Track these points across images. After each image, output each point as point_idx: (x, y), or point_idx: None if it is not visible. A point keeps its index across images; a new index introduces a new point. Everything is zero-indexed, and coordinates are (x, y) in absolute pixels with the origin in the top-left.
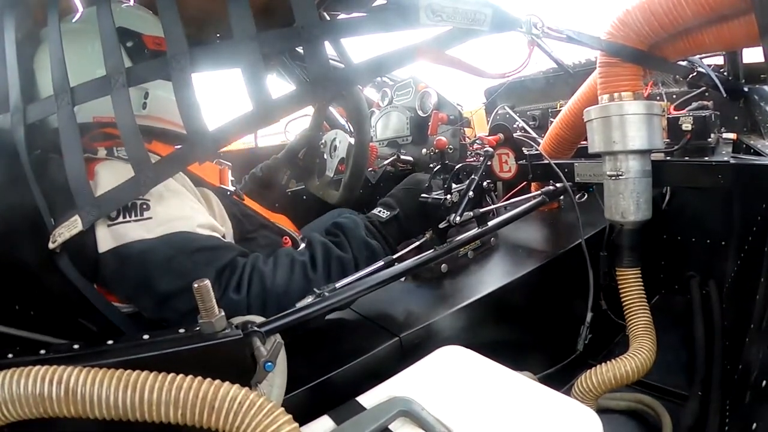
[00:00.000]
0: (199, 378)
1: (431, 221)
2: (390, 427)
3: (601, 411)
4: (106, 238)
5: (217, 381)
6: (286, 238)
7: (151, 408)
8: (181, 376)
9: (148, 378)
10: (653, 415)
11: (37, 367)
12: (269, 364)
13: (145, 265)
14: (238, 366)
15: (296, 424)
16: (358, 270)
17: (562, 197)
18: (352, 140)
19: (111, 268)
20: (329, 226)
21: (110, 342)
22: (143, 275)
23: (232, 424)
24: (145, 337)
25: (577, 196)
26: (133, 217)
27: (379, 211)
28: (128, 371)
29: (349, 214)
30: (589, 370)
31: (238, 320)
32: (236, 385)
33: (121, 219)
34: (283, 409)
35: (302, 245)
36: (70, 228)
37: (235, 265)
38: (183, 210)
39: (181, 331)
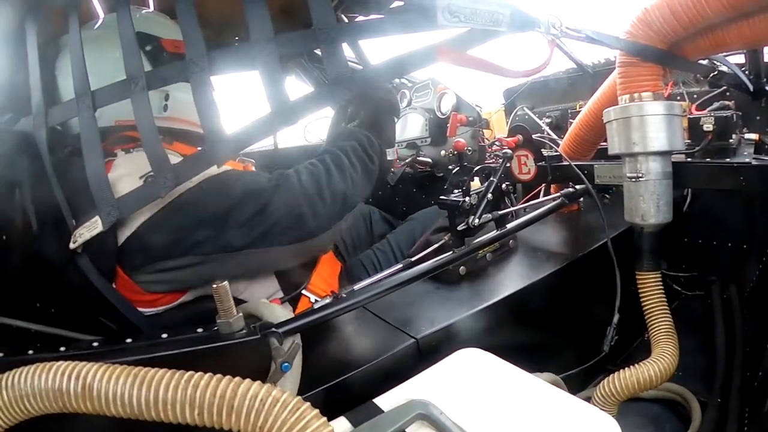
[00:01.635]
0: (218, 375)
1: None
2: (407, 430)
3: (631, 400)
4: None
5: (237, 378)
6: None
7: (166, 407)
8: (199, 374)
9: (164, 375)
10: (682, 402)
11: (58, 363)
12: (286, 364)
13: (197, 204)
14: (255, 366)
15: (324, 419)
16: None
17: (581, 199)
18: None
19: (159, 227)
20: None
21: (129, 340)
22: (198, 212)
23: (254, 424)
24: (164, 336)
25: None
26: None
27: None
28: (146, 369)
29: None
30: (611, 375)
31: (255, 322)
32: (257, 382)
33: None
34: (309, 404)
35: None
36: (90, 228)
37: (280, 171)
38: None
39: (200, 330)
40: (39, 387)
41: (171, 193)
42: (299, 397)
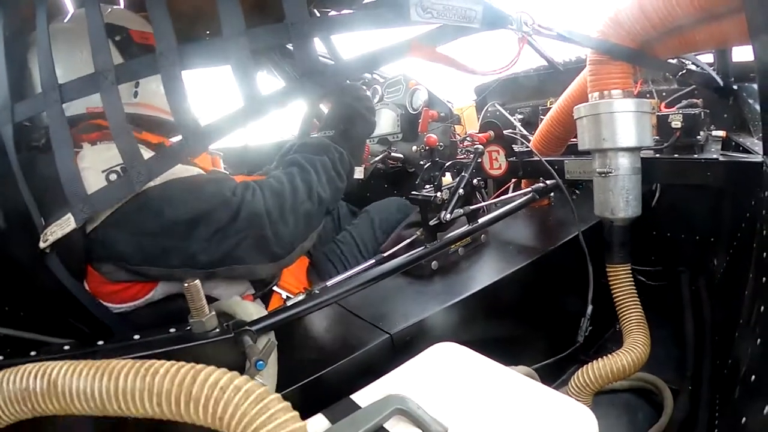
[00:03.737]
0: (182, 363)
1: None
2: (385, 425)
3: (604, 392)
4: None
5: (201, 365)
6: None
7: (126, 397)
8: (162, 361)
9: (125, 365)
10: (654, 390)
11: (26, 365)
12: (261, 362)
13: (158, 208)
14: (230, 365)
15: (296, 413)
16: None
17: (552, 194)
18: None
19: (121, 229)
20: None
21: (101, 342)
22: (159, 217)
23: (213, 414)
24: (136, 337)
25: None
26: None
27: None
28: (110, 360)
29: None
30: (585, 366)
31: (228, 320)
32: (221, 370)
33: None
34: (278, 395)
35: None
36: (62, 226)
37: (246, 183)
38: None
39: (172, 330)
40: (8, 391)
41: (134, 188)
42: (266, 387)
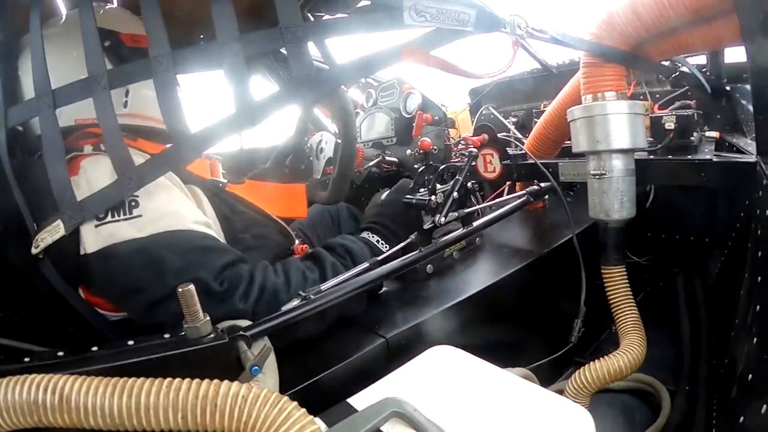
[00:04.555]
0: (197, 380)
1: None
2: (382, 428)
3: (601, 391)
4: (93, 239)
5: (216, 380)
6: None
7: (149, 413)
8: (178, 379)
9: (144, 383)
10: (651, 391)
11: (32, 375)
12: (256, 368)
13: (134, 267)
14: (224, 371)
15: (304, 410)
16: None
17: (547, 196)
18: (339, 141)
19: (99, 270)
20: (336, 244)
21: (95, 348)
22: (133, 277)
23: (239, 421)
24: (130, 343)
25: None
26: (122, 216)
27: (377, 241)
28: (123, 378)
29: (355, 239)
30: (582, 367)
31: (223, 324)
32: (235, 382)
33: (109, 218)
34: (287, 398)
35: (308, 261)
36: (52, 233)
37: (239, 272)
38: (173, 204)
39: (167, 336)
40: (12, 401)
41: (120, 234)
42: (277, 392)
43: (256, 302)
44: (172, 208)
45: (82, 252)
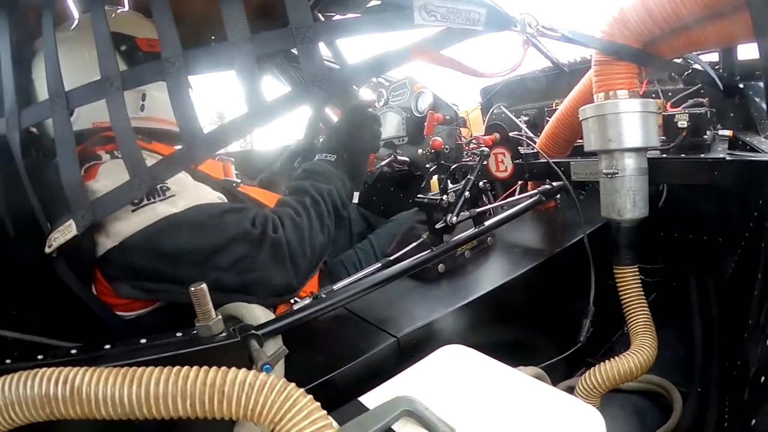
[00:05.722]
0: (205, 367)
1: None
2: (393, 427)
3: (612, 392)
4: (131, 223)
5: (224, 368)
6: None
7: (158, 402)
8: (186, 367)
9: (153, 372)
10: (663, 392)
11: (43, 369)
12: (267, 366)
13: (181, 233)
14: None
15: (310, 397)
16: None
17: (558, 196)
18: None
19: (141, 251)
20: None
21: (107, 346)
22: (181, 243)
23: (245, 407)
24: (143, 341)
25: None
26: (158, 198)
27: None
28: (132, 368)
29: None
30: (592, 368)
31: (235, 324)
32: (243, 369)
33: (146, 201)
34: (294, 384)
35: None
36: (64, 232)
37: (265, 214)
38: (197, 187)
39: (179, 334)
40: (25, 395)
41: (158, 212)
42: (284, 379)
43: (284, 229)
44: (198, 189)
45: (110, 245)
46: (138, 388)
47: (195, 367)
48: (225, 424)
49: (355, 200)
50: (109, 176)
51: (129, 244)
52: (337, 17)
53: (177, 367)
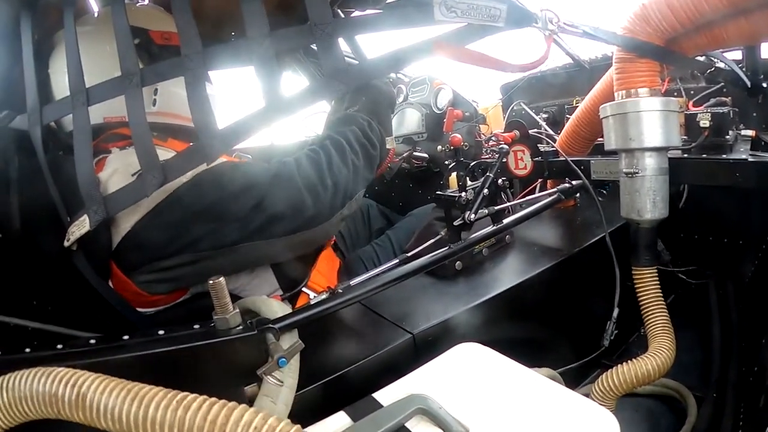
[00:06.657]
0: (213, 399)
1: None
2: (407, 425)
3: (627, 395)
4: (139, 209)
5: (232, 403)
6: None
7: (155, 426)
8: (193, 395)
9: (157, 393)
10: (678, 397)
11: (57, 369)
12: (283, 359)
13: (228, 180)
14: (252, 362)
15: None
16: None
17: (578, 195)
18: None
19: (152, 226)
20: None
21: (126, 337)
22: (231, 187)
23: None
24: (161, 332)
25: None
26: None
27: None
28: (142, 385)
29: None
30: (609, 370)
31: (252, 317)
32: (253, 409)
33: None
34: (299, 428)
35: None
36: (80, 227)
37: (279, 160)
38: None
39: (197, 326)
40: (37, 391)
41: (165, 189)
42: (298, 426)
43: (299, 166)
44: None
45: (123, 233)
46: (137, 408)
47: (202, 397)
48: None
49: (374, 198)
50: (116, 163)
51: (141, 224)
52: (357, 13)
53: (183, 394)
